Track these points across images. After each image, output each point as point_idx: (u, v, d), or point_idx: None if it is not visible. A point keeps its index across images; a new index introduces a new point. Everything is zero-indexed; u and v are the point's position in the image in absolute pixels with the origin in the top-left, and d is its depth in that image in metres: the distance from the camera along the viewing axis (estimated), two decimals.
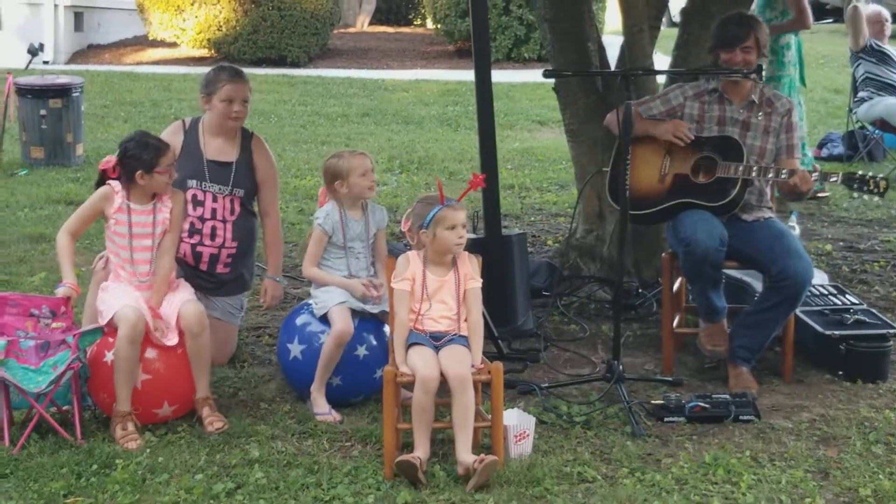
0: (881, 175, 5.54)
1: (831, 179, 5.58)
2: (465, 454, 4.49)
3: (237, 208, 5.76)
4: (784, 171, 5.54)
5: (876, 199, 5.49)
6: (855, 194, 5.51)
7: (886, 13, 10.99)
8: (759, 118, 5.76)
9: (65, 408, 4.98)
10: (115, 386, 4.90)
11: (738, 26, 5.75)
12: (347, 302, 5.20)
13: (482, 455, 4.44)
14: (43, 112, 10.56)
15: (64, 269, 5.14)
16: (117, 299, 5.03)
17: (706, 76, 5.88)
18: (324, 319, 5.20)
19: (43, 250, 7.75)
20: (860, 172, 5.54)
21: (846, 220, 9.12)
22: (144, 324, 4.93)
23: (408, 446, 4.78)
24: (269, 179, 5.90)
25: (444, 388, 4.62)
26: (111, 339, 4.96)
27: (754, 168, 5.57)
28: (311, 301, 5.38)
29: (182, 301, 5.13)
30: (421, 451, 4.52)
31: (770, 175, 5.59)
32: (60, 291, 5.05)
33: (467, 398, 4.56)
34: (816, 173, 5.54)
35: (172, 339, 5.03)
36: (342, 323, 5.11)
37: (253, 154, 5.82)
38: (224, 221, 5.74)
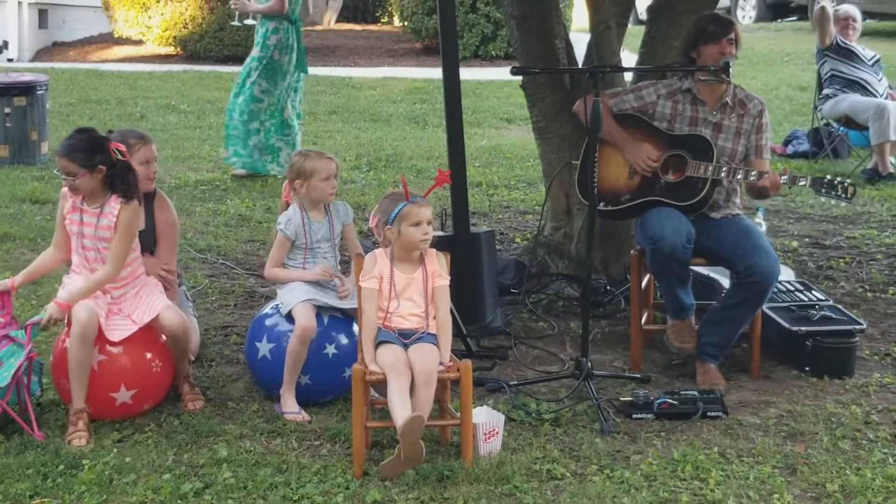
0: (849, 180, 5.56)
1: (800, 183, 5.58)
2: None
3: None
4: (753, 173, 5.56)
5: (843, 203, 5.50)
6: (823, 199, 5.52)
7: (855, 13, 11.04)
8: (732, 120, 5.77)
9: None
10: (70, 383, 4.91)
11: (719, 20, 5.80)
12: (312, 299, 5.19)
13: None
14: (7, 110, 10.48)
15: (22, 272, 5.29)
16: None
17: (679, 76, 5.89)
18: (291, 318, 5.18)
19: (7, 249, 7.69)
20: (828, 177, 5.54)
21: (812, 216, 9.17)
22: (97, 322, 4.91)
23: (377, 445, 4.78)
24: (165, 237, 5.67)
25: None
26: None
27: (724, 168, 5.59)
28: (277, 302, 5.37)
29: (162, 306, 5.11)
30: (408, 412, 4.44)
31: (739, 176, 5.60)
32: None
33: (428, 393, 4.56)
34: (785, 176, 5.55)
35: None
36: (305, 320, 5.09)
37: (154, 214, 5.63)
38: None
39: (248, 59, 10.09)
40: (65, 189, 5.15)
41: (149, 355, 5.11)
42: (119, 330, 5.02)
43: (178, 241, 5.93)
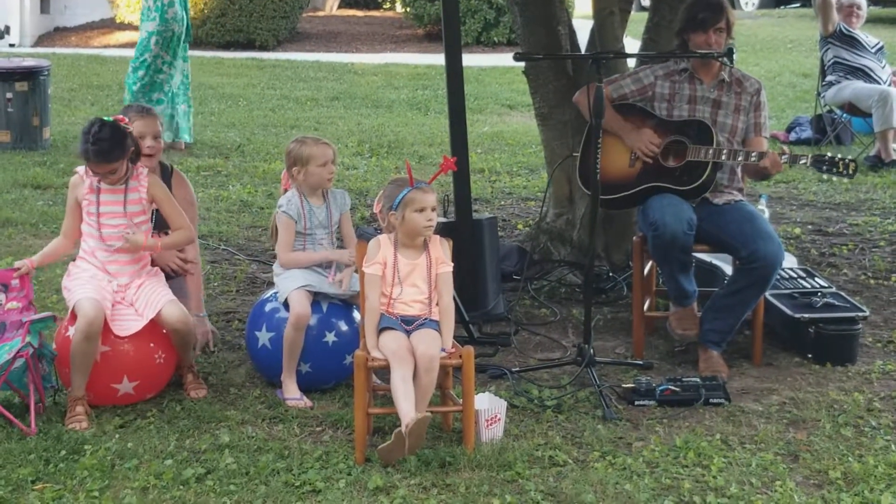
0: (850, 157, 5.55)
1: (801, 162, 5.58)
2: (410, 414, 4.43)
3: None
4: (754, 154, 5.55)
5: (846, 180, 5.50)
6: (825, 176, 5.52)
7: (860, 0, 11.01)
8: (730, 97, 5.77)
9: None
10: (71, 374, 4.90)
11: (709, 8, 5.76)
12: (308, 285, 5.17)
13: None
14: (9, 95, 10.50)
15: (37, 254, 5.31)
16: (80, 287, 5.01)
17: (675, 57, 5.88)
18: (289, 306, 5.16)
19: (9, 235, 7.68)
20: (829, 154, 5.55)
21: (815, 203, 9.16)
22: (103, 318, 4.89)
23: (379, 431, 4.78)
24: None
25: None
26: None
27: (724, 151, 5.58)
28: (275, 290, 5.35)
29: (165, 301, 5.06)
30: (414, 413, 4.43)
31: (740, 158, 5.59)
32: (17, 263, 5.15)
33: (430, 379, 4.56)
34: (786, 156, 5.55)
35: (133, 327, 5.03)
36: (299, 306, 5.07)
37: (173, 191, 5.56)
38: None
39: (145, 35, 10.54)
40: (76, 177, 5.14)
41: (152, 346, 5.08)
42: (127, 325, 5.01)
43: (197, 219, 5.92)
